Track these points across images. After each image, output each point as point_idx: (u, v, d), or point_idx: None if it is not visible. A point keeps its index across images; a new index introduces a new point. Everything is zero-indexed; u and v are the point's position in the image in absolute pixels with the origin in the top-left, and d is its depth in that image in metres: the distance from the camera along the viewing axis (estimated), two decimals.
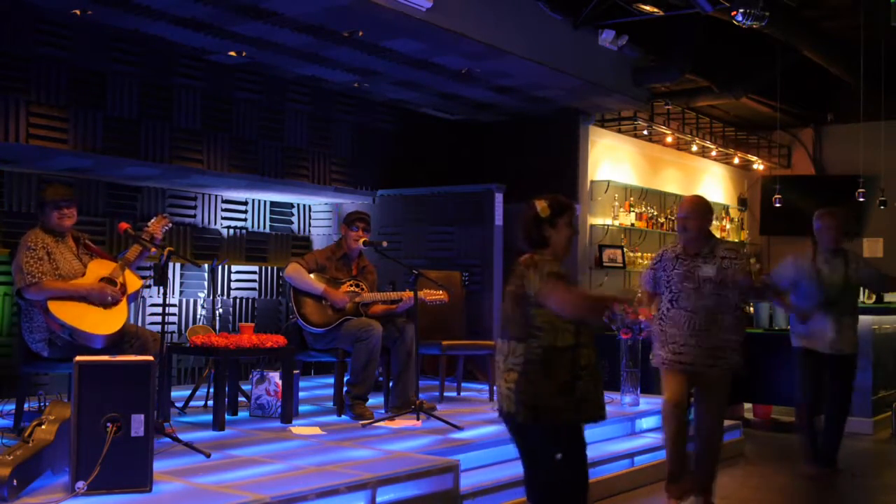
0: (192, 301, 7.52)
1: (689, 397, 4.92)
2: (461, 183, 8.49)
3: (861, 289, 6.17)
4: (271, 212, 8.31)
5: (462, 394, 7.03)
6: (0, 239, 6.36)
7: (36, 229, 5.05)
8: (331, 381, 6.95)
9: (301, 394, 6.45)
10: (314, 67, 7.39)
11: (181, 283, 7.45)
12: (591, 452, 5.51)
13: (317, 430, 5.34)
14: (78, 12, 6.10)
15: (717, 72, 9.13)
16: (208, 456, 4.44)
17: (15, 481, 3.57)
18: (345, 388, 5.94)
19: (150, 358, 3.95)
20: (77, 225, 5.21)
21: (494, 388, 5.78)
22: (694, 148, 10.58)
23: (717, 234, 11.16)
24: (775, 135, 11.86)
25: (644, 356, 6.93)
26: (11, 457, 3.64)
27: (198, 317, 7.43)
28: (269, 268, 8.15)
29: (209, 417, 5.43)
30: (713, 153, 11.02)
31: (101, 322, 4.84)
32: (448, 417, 5.57)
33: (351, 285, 6.12)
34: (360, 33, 6.34)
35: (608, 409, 6.51)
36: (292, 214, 8.51)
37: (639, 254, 9.55)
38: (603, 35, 7.68)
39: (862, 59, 8.63)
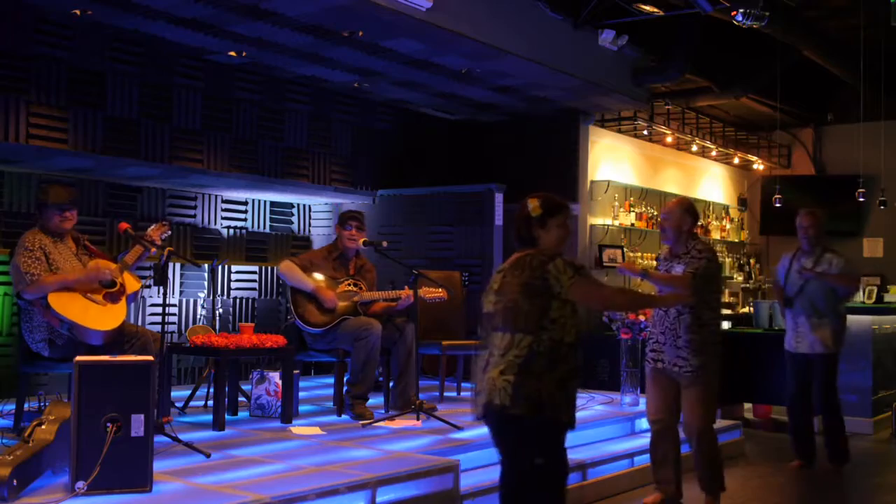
0: (192, 301, 7.52)
1: (674, 411, 4.93)
2: (461, 183, 8.49)
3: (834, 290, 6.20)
4: (271, 212, 8.31)
5: (462, 394, 7.02)
6: (0, 239, 6.36)
7: (34, 230, 5.05)
8: (331, 381, 6.95)
9: (301, 394, 6.45)
10: (314, 67, 7.39)
11: (181, 283, 7.45)
12: (591, 452, 5.59)
13: (317, 430, 5.34)
14: (78, 12, 6.10)
15: (717, 72, 9.13)
16: (208, 456, 4.44)
17: (15, 481, 3.57)
18: (345, 388, 5.94)
19: (150, 358, 3.95)
20: (77, 225, 5.21)
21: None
22: (694, 148, 10.58)
23: (717, 234, 11.16)
24: (775, 135, 11.86)
25: (644, 356, 6.94)
26: (11, 457, 3.64)
27: (198, 317, 7.43)
28: (269, 268, 8.15)
29: (209, 417, 5.43)
30: (713, 153, 11.02)
31: (101, 318, 4.84)
32: (448, 417, 5.57)
33: (349, 285, 6.11)
34: (360, 33, 6.34)
35: (608, 409, 6.63)
36: (292, 214, 8.51)
37: (639, 254, 9.55)
38: (603, 35, 7.67)
39: (862, 59, 8.63)
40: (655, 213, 9.91)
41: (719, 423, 6.31)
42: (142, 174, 6.94)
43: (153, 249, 5.07)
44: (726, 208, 11.66)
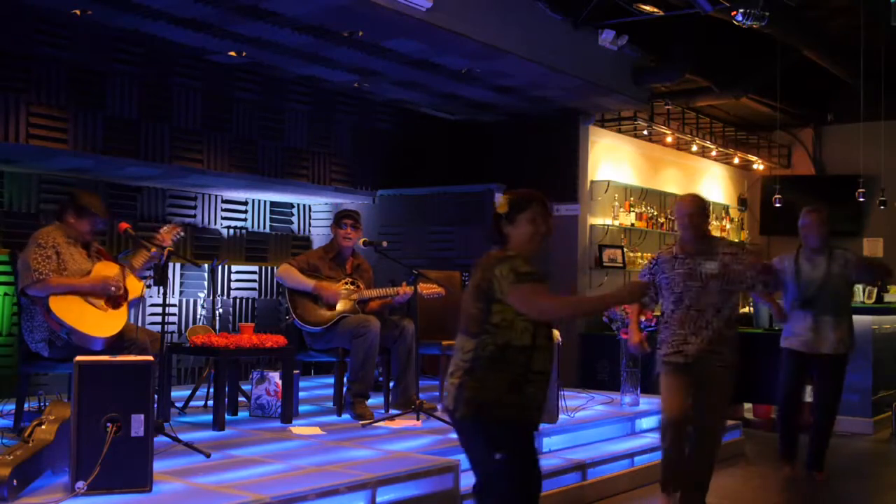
0: (192, 301, 7.53)
1: (689, 412, 4.83)
2: (461, 183, 8.49)
3: (855, 288, 6.14)
4: (271, 212, 8.31)
5: None
6: (0, 239, 6.36)
7: (52, 227, 5.06)
8: (331, 381, 6.95)
9: (301, 394, 6.45)
10: (314, 67, 7.38)
11: (181, 283, 7.45)
12: (591, 452, 5.59)
13: (317, 430, 5.34)
14: (78, 12, 6.09)
15: (717, 72, 9.12)
16: (208, 456, 4.44)
17: (15, 481, 3.57)
18: (345, 387, 5.94)
19: (150, 358, 3.95)
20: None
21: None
22: (694, 148, 10.58)
23: (718, 234, 11.16)
24: (775, 135, 11.86)
25: (644, 356, 6.94)
26: (11, 457, 3.64)
27: (198, 317, 7.43)
28: (269, 268, 8.15)
29: (209, 417, 5.43)
30: (713, 153, 11.01)
31: (100, 324, 4.85)
32: (448, 417, 5.56)
33: (346, 284, 6.12)
34: (360, 33, 6.34)
35: (608, 409, 6.63)
36: (292, 214, 8.51)
37: (639, 254, 9.54)
38: (603, 35, 7.67)
39: (862, 59, 8.62)
40: (655, 213, 9.91)
41: None
42: (142, 174, 6.95)
43: (153, 250, 5.08)
44: (726, 208, 11.66)
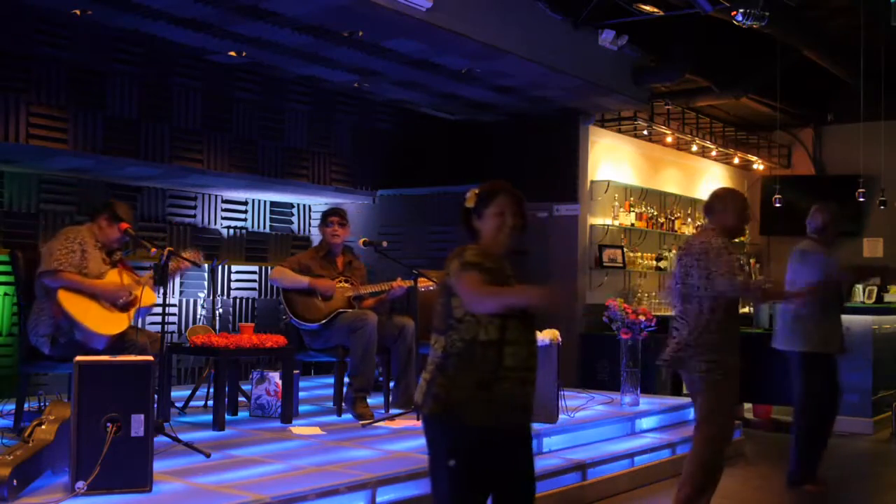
0: (192, 301, 7.53)
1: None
2: (461, 183, 8.47)
3: (855, 288, 6.02)
4: (271, 212, 8.31)
5: None
6: (0, 239, 6.36)
7: (83, 227, 5.16)
8: (331, 381, 6.95)
9: (301, 394, 6.45)
10: (314, 67, 7.38)
11: (181, 283, 7.45)
12: (591, 452, 5.59)
13: (317, 430, 5.34)
14: (78, 12, 6.09)
15: (717, 72, 9.12)
16: (208, 456, 4.44)
17: (15, 481, 3.57)
18: (345, 386, 5.94)
19: (150, 358, 3.95)
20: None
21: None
22: (694, 148, 10.57)
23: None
24: (775, 135, 11.85)
25: (644, 356, 6.94)
26: (11, 457, 3.64)
27: (198, 317, 7.43)
28: (270, 268, 8.15)
29: (209, 417, 5.44)
30: (713, 153, 11.01)
31: (104, 322, 4.88)
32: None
33: (340, 282, 6.12)
34: (360, 33, 6.34)
35: (608, 409, 6.63)
36: (292, 214, 8.51)
37: (639, 254, 9.54)
38: (603, 35, 7.67)
39: (862, 59, 8.62)
40: (655, 213, 9.91)
41: None
42: (142, 174, 6.95)
43: (153, 250, 5.08)
44: None
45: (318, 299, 6.01)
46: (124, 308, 5.02)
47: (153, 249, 5.08)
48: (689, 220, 10.54)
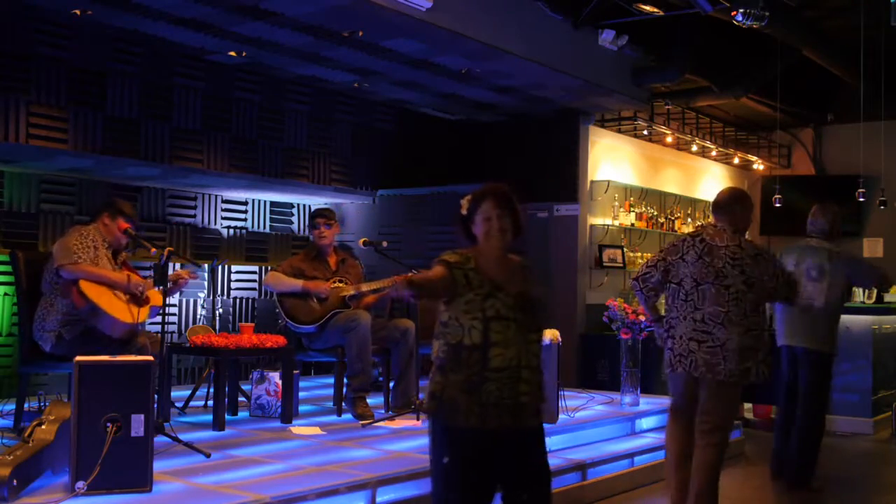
0: (192, 301, 7.53)
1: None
2: (461, 183, 8.48)
3: (854, 288, 6.09)
4: (271, 212, 8.31)
5: None
6: (0, 239, 6.37)
7: (90, 227, 5.20)
8: (331, 381, 6.95)
9: (301, 394, 6.45)
10: (314, 67, 7.38)
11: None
12: (591, 452, 5.59)
13: (317, 430, 5.34)
14: (78, 12, 6.09)
15: (717, 72, 9.12)
16: (208, 456, 4.44)
17: (15, 481, 3.57)
18: (345, 385, 5.94)
19: (150, 358, 3.95)
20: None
21: None
22: (694, 148, 10.57)
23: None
24: (775, 135, 11.85)
25: (644, 356, 6.94)
26: (11, 457, 3.64)
27: (198, 317, 7.44)
28: (269, 268, 8.15)
29: (209, 417, 5.44)
30: (713, 153, 11.01)
31: (125, 312, 4.94)
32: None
33: (335, 282, 6.12)
34: (360, 33, 6.34)
35: (608, 409, 6.63)
36: (292, 214, 8.51)
37: (639, 254, 9.54)
38: (603, 35, 7.67)
39: (862, 59, 8.62)
40: (655, 213, 9.91)
41: None
42: (142, 174, 6.95)
43: (153, 250, 5.09)
44: None
45: (313, 301, 6.01)
46: (139, 301, 5.06)
47: (153, 249, 5.08)
48: (689, 220, 10.54)
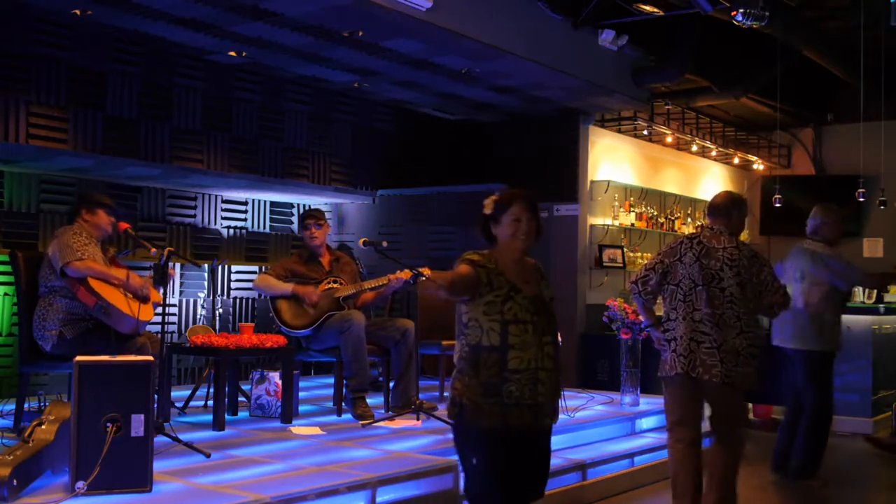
0: (192, 301, 7.52)
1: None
2: (461, 183, 8.49)
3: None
4: (271, 212, 8.31)
5: None
6: (0, 239, 6.36)
7: (75, 225, 5.16)
8: (331, 381, 6.95)
9: (301, 394, 6.45)
10: (314, 67, 7.39)
11: (181, 283, 7.45)
12: (591, 452, 5.59)
13: (317, 430, 5.34)
14: (78, 12, 6.10)
15: (717, 72, 9.12)
16: (208, 456, 4.44)
17: (15, 481, 3.57)
18: (345, 385, 5.94)
19: (150, 358, 3.95)
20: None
21: None
22: (694, 148, 10.57)
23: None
24: (775, 135, 11.85)
25: (644, 356, 6.94)
26: (11, 457, 3.64)
27: (198, 317, 7.43)
28: (269, 268, 8.15)
29: (209, 417, 5.43)
30: (713, 153, 11.01)
31: (133, 308, 4.96)
32: (448, 417, 5.56)
33: (329, 282, 6.12)
34: (360, 33, 6.34)
35: (608, 409, 6.63)
36: (292, 214, 8.51)
37: (639, 254, 9.54)
38: (603, 35, 7.67)
39: (862, 59, 8.62)
40: (655, 213, 9.91)
41: None
42: (142, 174, 6.94)
43: (153, 250, 5.08)
44: None
45: (306, 304, 6.01)
46: (144, 300, 5.08)
47: (153, 249, 5.08)
48: (689, 220, 10.54)
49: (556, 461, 5.27)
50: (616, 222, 9.26)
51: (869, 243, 11.27)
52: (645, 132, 9.63)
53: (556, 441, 5.58)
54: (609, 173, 9.30)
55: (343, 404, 5.96)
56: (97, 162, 6.55)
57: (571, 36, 7.47)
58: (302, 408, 6.12)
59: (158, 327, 5.30)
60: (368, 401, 5.92)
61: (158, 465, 4.02)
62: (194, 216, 7.64)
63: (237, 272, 7.92)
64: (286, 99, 8.11)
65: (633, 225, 9.45)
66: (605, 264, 8.94)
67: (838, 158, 11.52)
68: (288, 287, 5.99)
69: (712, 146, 10.74)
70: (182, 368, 7.46)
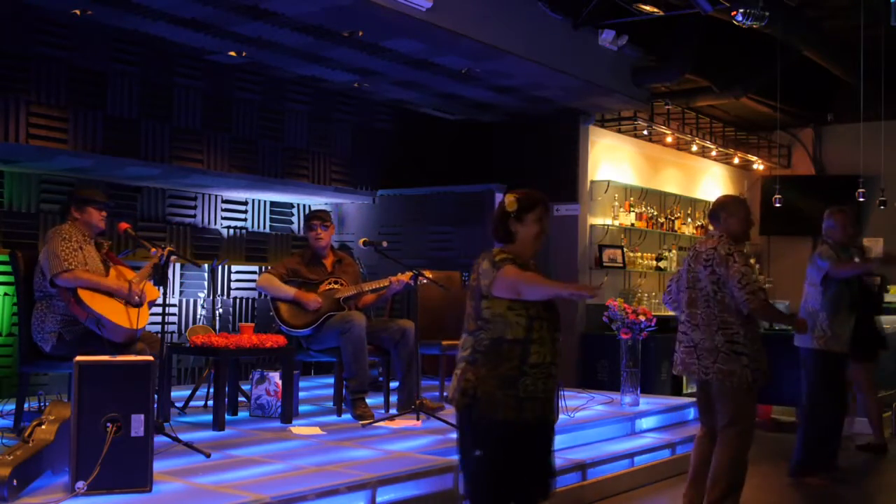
0: (192, 301, 7.52)
1: None
2: (461, 183, 8.49)
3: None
4: (271, 212, 8.31)
5: None
6: (0, 239, 6.36)
7: (65, 224, 5.09)
8: (331, 381, 6.95)
9: (301, 394, 6.45)
10: (314, 67, 7.39)
11: (181, 283, 7.45)
12: (591, 452, 5.59)
13: (317, 430, 5.34)
14: (78, 12, 6.10)
15: (717, 72, 9.12)
16: (208, 456, 4.44)
17: (15, 481, 3.57)
18: (344, 385, 5.94)
19: (150, 358, 3.95)
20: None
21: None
22: (694, 148, 10.57)
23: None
24: (775, 135, 11.85)
25: (644, 356, 6.94)
26: (11, 457, 3.64)
27: (198, 317, 7.43)
28: (269, 268, 8.14)
29: (209, 417, 5.43)
30: (713, 153, 11.01)
31: (123, 317, 4.91)
32: (448, 417, 5.57)
33: (329, 284, 6.11)
34: (360, 33, 6.34)
35: (608, 409, 6.63)
36: (292, 214, 8.51)
37: (639, 254, 9.54)
38: (603, 35, 7.67)
39: (862, 59, 8.62)
40: (655, 213, 9.91)
41: None
42: (142, 174, 6.94)
43: (153, 250, 5.06)
44: None
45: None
46: (138, 305, 5.03)
47: (153, 249, 5.07)
48: (689, 220, 10.54)
49: (556, 461, 5.28)
50: (616, 222, 9.26)
51: (869, 243, 11.26)
52: (645, 132, 9.63)
53: (556, 441, 5.61)
54: (609, 173, 9.30)
55: (343, 404, 5.96)
56: (97, 162, 6.55)
57: (571, 36, 7.47)
58: (302, 408, 6.12)
59: (158, 327, 5.30)
60: (368, 401, 5.92)
61: (158, 465, 4.02)
62: (194, 216, 7.64)
63: (237, 272, 7.92)
64: (286, 99, 8.11)
65: (633, 225, 9.45)
66: (605, 264, 8.94)
67: (838, 158, 11.52)
68: (291, 291, 5.98)
69: (712, 146, 10.74)
70: (182, 368, 7.46)
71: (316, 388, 7.39)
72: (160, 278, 4.80)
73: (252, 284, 8.05)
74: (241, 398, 6.12)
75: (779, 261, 11.49)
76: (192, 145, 7.37)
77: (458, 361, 3.39)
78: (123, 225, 5.17)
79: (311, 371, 8.36)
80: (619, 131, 9.62)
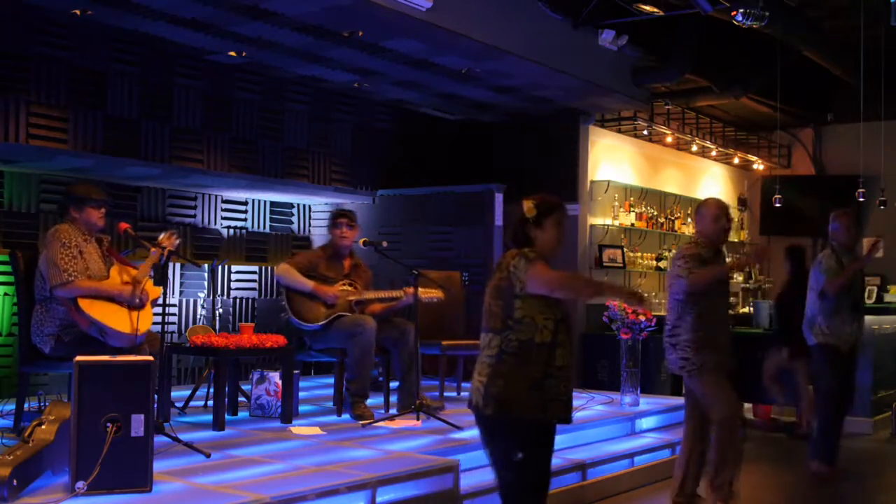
0: (192, 301, 7.52)
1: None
2: (461, 183, 8.49)
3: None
4: (271, 212, 8.31)
5: (462, 394, 7.03)
6: (0, 239, 6.36)
7: (64, 224, 5.02)
8: (331, 381, 6.95)
9: (301, 394, 6.45)
10: (314, 67, 7.39)
11: (181, 283, 7.45)
12: (591, 452, 5.59)
13: (317, 430, 5.34)
14: (78, 12, 6.10)
15: (717, 72, 9.12)
16: (208, 456, 4.44)
17: (15, 481, 3.57)
18: (344, 386, 5.94)
19: (150, 358, 3.95)
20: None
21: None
22: (694, 148, 10.58)
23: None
24: (775, 135, 11.86)
25: (644, 356, 6.94)
26: (11, 457, 3.64)
27: (198, 317, 7.43)
28: (269, 268, 8.15)
29: (209, 417, 5.43)
30: (713, 153, 11.02)
31: (126, 323, 4.85)
32: (448, 417, 5.57)
33: (344, 284, 6.11)
34: (360, 33, 6.34)
35: (608, 409, 6.63)
36: (292, 214, 8.51)
37: (639, 254, 9.55)
38: (603, 35, 7.67)
39: (862, 59, 8.62)
40: (655, 213, 9.91)
41: None
42: (142, 174, 6.94)
43: (153, 250, 5.05)
44: None
45: (319, 302, 6.00)
46: (141, 307, 5.00)
47: (153, 249, 5.06)
48: (689, 220, 10.54)
49: (556, 461, 5.25)
50: (616, 222, 9.26)
51: (869, 243, 11.26)
52: (645, 132, 9.63)
53: (556, 441, 5.62)
54: (609, 173, 9.31)
55: (343, 405, 5.95)
56: (97, 162, 6.55)
57: (571, 36, 7.47)
58: (302, 408, 6.12)
59: (158, 327, 5.30)
60: (368, 401, 5.92)
61: (158, 465, 4.02)
62: (194, 216, 7.64)
63: (237, 272, 7.93)
64: (286, 99, 8.11)
65: (633, 225, 9.45)
66: (605, 264, 8.94)
67: (838, 158, 11.53)
68: (309, 284, 5.96)
69: (712, 146, 10.74)
70: (182, 368, 7.46)
71: (316, 388, 7.39)
72: (160, 278, 4.79)
73: (252, 284, 8.05)
74: (241, 398, 6.12)
75: (778, 261, 11.48)
76: (192, 145, 7.37)
77: (480, 361, 3.42)
78: (123, 225, 5.16)
79: (311, 371, 8.36)
80: (619, 131, 9.62)
